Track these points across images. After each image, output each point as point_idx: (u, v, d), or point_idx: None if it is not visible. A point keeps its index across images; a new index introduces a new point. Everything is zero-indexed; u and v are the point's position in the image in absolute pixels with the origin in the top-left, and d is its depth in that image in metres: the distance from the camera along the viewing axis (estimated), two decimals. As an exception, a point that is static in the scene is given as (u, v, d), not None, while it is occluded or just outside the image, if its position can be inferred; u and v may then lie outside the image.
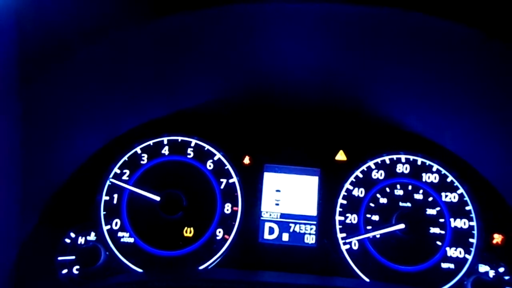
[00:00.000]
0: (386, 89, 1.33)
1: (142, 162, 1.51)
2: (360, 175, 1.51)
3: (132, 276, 1.36)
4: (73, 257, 1.40)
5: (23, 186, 1.21)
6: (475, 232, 1.43)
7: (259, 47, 1.16)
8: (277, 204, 1.49)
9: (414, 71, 1.18)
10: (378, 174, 1.51)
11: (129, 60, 1.12)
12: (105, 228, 1.44)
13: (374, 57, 1.15)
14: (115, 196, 1.47)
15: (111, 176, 1.48)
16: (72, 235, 1.44)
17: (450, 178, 1.49)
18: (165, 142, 1.53)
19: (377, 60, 1.16)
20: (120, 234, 1.44)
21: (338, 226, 1.46)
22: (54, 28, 0.92)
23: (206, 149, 1.52)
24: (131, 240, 1.44)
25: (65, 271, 1.40)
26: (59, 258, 1.41)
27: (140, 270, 1.41)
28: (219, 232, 1.45)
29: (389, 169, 1.51)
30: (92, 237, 1.45)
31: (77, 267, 1.40)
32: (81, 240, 1.44)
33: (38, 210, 1.36)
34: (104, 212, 1.46)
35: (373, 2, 0.91)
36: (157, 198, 1.43)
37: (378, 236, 1.43)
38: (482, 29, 0.90)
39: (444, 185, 1.48)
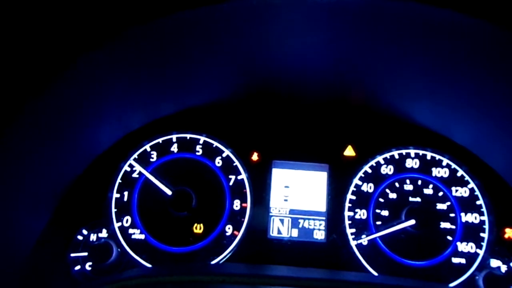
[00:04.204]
0: (395, 82, 1.32)
1: (151, 159, 1.52)
2: (369, 170, 1.50)
3: (142, 270, 1.37)
4: (86, 254, 1.42)
5: (36, 184, 1.24)
6: (486, 226, 1.42)
7: (268, 41, 1.16)
8: (286, 200, 1.50)
9: (424, 64, 1.16)
10: (387, 169, 1.50)
11: (137, 59, 1.13)
12: (116, 225, 1.47)
13: (384, 49, 1.14)
14: (126, 193, 1.49)
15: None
16: (84, 232, 1.46)
17: (460, 173, 1.48)
18: (174, 140, 1.54)
19: (387, 52, 1.15)
20: (131, 231, 1.46)
21: (347, 222, 1.46)
22: (67, 29, 0.94)
23: (214, 146, 1.53)
24: (142, 236, 1.46)
25: (78, 267, 1.42)
26: (72, 255, 1.43)
27: (151, 266, 1.43)
28: (229, 228, 1.47)
29: (398, 164, 1.50)
30: (103, 234, 1.47)
31: (90, 263, 1.42)
32: (93, 237, 1.46)
33: (50, 208, 1.38)
34: (115, 210, 1.48)
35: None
36: (169, 192, 1.45)
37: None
38: (493, 22, 0.89)
39: (454, 180, 1.47)
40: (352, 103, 1.52)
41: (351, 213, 1.47)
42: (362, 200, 1.48)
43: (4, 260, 1.20)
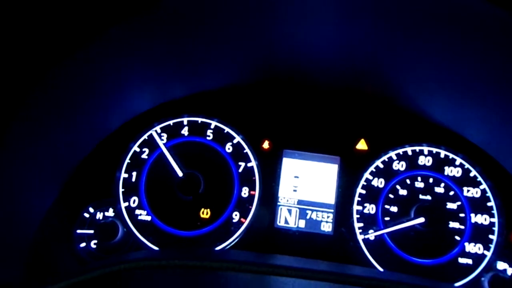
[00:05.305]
0: (412, 76, 1.29)
1: (161, 141, 1.50)
2: (381, 165, 1.48)
3: (147, 253, 1.37)
4: (92, 231, 1.42)
5: (45, 161, 1.23)
6: (495, 228, 1.41)
7: (282, 26, 1.13)
8: (294, 190, 1.48)
9: (442, 59, 1.14)
10: (399, 165, 1.48)
11: (150, 39, 1.11)
12: (123, 205, 1.46)
13: (402, 40, 1.11)
14: (134, 173, 1.48)
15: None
16: (91, 210, 1.46)
17: (473, 173, 1.45)
18: (185, 123, 1.52)
19: (405, 44, 1.12)
20: (137, 211, 1.46)
21: (355, 216, 1.45)
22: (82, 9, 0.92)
23: (225, 131, 1.51)
24: (148, 218, 1.46)
25: (83, 244, 1.43)
26: (78, 231, 1.43)
27: (156, 248, 1.43)
28: (236, 215, 1.46)
29: (411, 160, 1.48)
30: (110, 213, 1.47)
31: (95, 241, 1.43)
32: (99, 215, 1.46)
33: (59, 185, 1.37)
34: (123, 189, 1.47)
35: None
36: (180, 174, 1.44)
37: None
38: None
39: (466, 180, 1.45)
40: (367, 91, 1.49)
41: (360, 207, 1.46)
42: (371, 194, 1.46)
43: (13, 233, 1.20)
